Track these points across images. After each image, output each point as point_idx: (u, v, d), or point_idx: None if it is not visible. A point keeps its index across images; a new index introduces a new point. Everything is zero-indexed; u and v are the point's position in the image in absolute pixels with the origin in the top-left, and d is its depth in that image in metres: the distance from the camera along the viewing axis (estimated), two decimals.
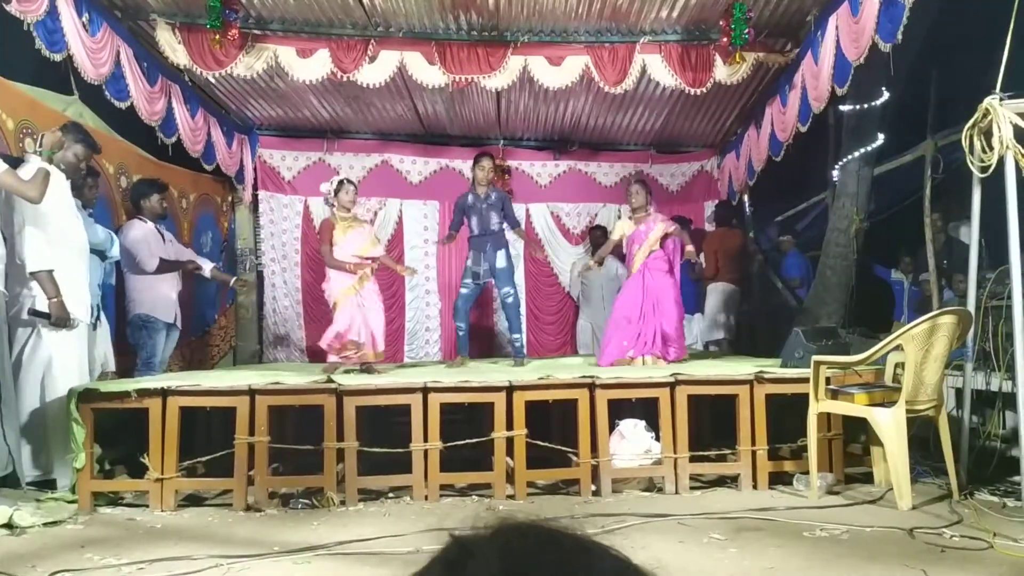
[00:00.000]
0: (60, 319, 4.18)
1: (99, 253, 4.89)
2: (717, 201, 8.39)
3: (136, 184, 5.77)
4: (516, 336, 6.02)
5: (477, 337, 8.01)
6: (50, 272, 4.16)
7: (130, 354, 5.47)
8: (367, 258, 5.40)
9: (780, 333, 5.81)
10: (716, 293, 7.80)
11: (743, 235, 8.08)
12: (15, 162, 4.12)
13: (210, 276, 6.11)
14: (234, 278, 6.50)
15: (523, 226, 8.26)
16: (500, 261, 5.93)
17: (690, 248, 5.84)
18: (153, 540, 3.42)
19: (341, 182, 5.43)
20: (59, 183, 4.28)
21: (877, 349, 3.87)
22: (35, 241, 4.14)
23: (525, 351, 6.21)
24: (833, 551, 3.08)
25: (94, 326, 4.76)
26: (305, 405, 4.43)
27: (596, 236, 7.97)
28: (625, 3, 5.40)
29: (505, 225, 6.05)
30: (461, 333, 6.03)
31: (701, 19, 5.64)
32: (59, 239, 4.33)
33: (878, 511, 3.75)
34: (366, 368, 5.24)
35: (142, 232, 5.45)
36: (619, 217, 7.78)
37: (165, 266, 5.53)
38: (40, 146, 4.17)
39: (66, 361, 4.32)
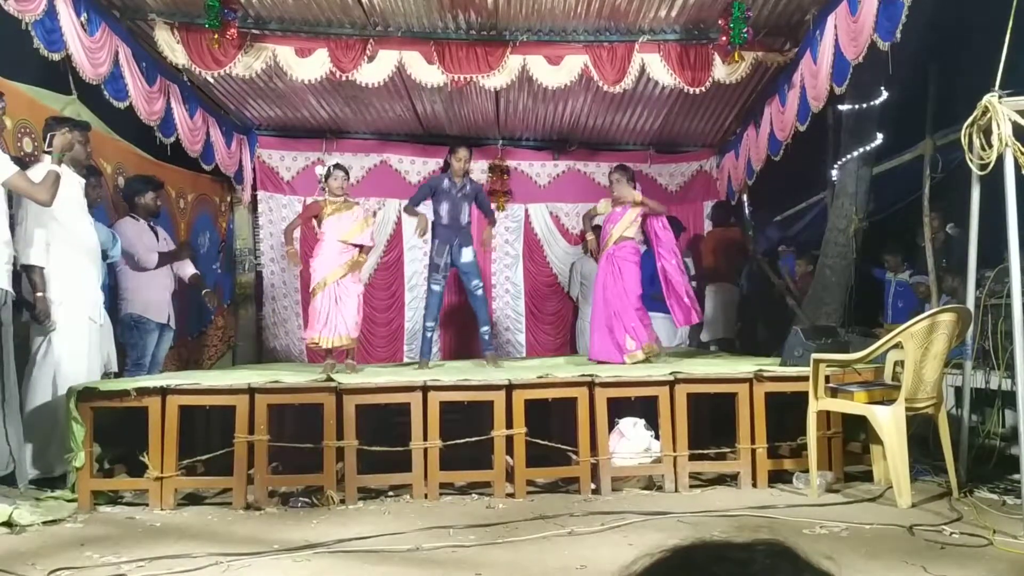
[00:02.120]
0: (41, 314, 4.24)
1: (101, 253, 4.88)
2: (715, 201, 8.39)
3: (131, 181, 5.74)
4: (485, 328, 5.95)
5: (472, 338, 8.01)
6: (41, 269, 4.24)
7: (121, 354, 5.42)
8: (353, 244, 5.34)
9: (779, 332, 5.81)
10: (715, 292, 7.81)
11: (741, 234, 8.09)
12: (24, 164, 4.16)
13: (187, 281, 5.90)
14: (205, 290, 6.10)
15: (522, 226, 8.33)
16: (467, 256, 5.85)
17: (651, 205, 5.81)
18: (153, 538, 3.41)
19: (331, 168, 5.45)
20: (70, 184, 4.33)
21: (877, 347, 3.88)
22: (35, 237, 4.20)
23: (494, 347, 6.13)
24: (833, 548, 3.08)
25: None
26: (305, 404, 4.43)
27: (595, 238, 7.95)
28: (624, 2, 5.40)
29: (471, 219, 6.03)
30: (430, 335, 5.93)
31: (700, 18, 5.64)
32: (70, 241, 4.39)
33: (878, 509, 3.75)
34: (344, 363, 5.25)
35: (136, 230, 5.46)
36: None
37: (165, 259, 5.54)
38: (49, 147, 4.18)
39: (77, 361, 4.39)
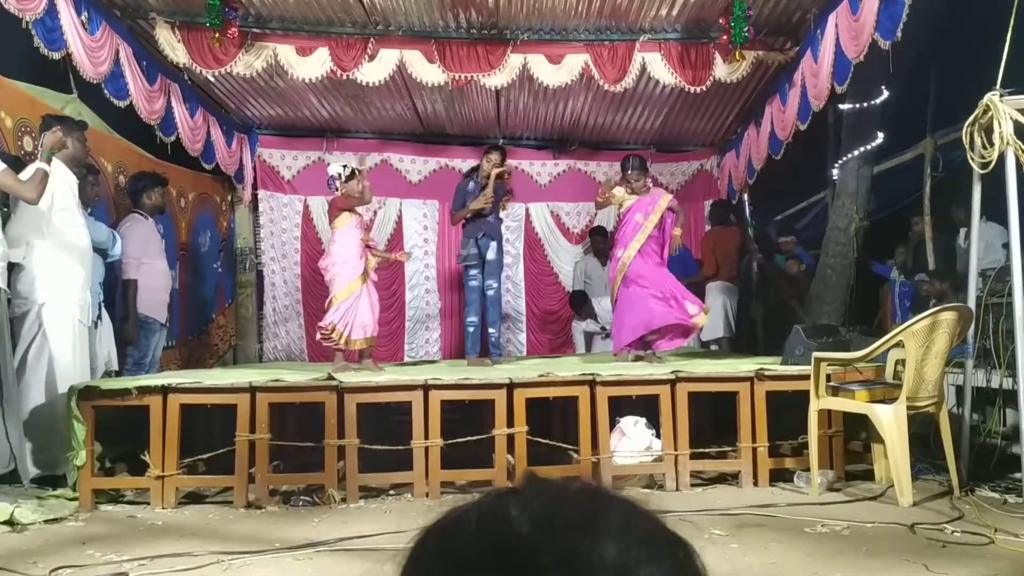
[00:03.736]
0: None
1: (101, 252, 4.87)
2: (715, 200, 8.38)
3: (137, 177, 5.69)
4: (492, 331, 5.93)
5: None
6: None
7: (121, 352, 5.38)
8: (367, 245, 5.35)
9: (780, 331, 5.81)
10: (715, 291, 7.80)
11: (741, 233, 8.08)
12: (17, 162, 4.14)
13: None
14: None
15: (522, 226, 8.33)
16: (491, 253, 5.86)
17: (677, 231, 5.59)
18: (154, 537, 3.41)
19: (353, 171, 5.33)
20: (62, 183, 4.29)
21: (878, 345, 3.87)
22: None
23: (500, 348, 6.08)
24: (835, 547, 3.08)
25: (95, 325, 4.76)
26: (306, 402, 4.43)
27: (596, 241, 7.95)
28: (625, 1, 5.41)
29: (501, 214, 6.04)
30: (472, 329, 5.87)
31: (701, 17, 5.64)
32: (58, 240, 4.35)
33: (879, 507, 3.75)
34: (364, 363, 5.19)
35: (149, 231, 5.44)
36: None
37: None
38: (41, 146, 4.17)
39: (69, 360, 4.34)
